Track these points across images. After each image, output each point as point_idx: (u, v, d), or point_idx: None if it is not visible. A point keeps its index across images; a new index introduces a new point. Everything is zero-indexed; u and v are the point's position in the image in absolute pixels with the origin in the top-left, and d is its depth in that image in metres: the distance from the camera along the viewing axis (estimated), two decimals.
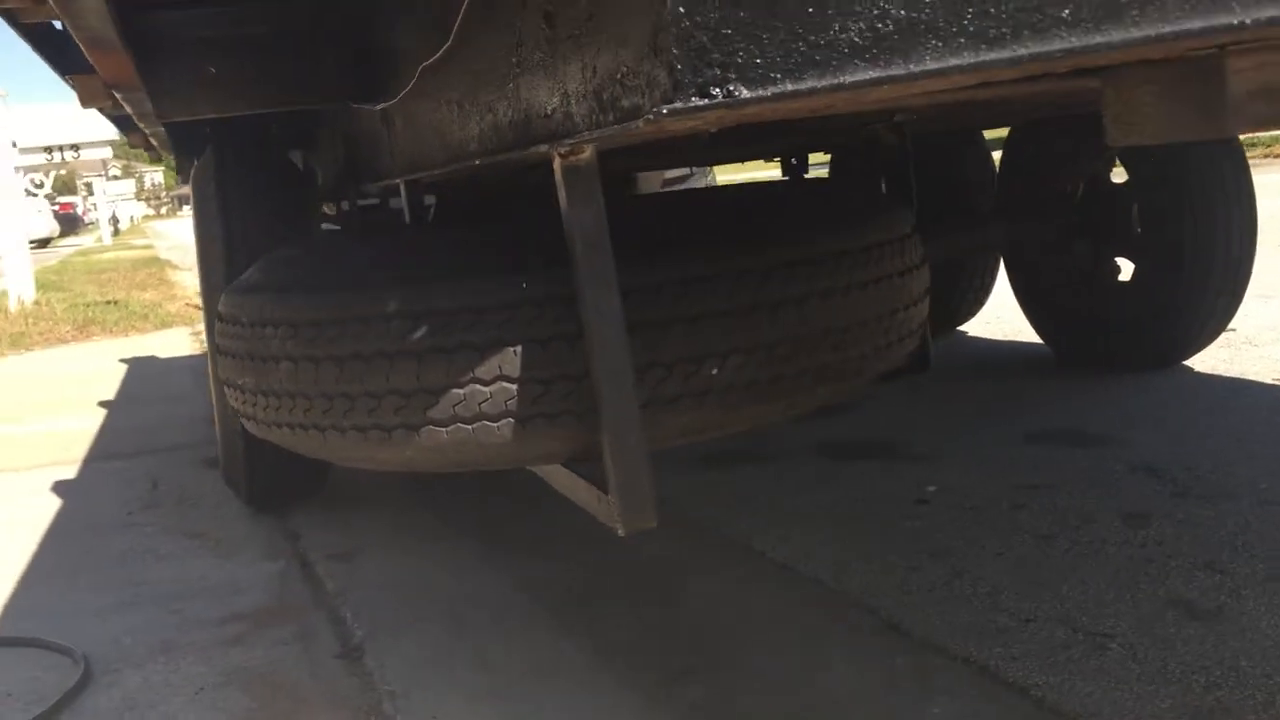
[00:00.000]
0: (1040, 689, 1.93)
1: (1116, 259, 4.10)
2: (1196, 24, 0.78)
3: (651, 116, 0.95)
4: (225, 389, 1.76)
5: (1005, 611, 2.25)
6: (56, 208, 34.61)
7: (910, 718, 1.89)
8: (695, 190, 2.51)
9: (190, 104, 2.27)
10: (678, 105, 0.94)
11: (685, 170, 7.02)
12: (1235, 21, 0.77)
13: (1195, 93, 0.83)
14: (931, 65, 0.85)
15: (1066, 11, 0.81)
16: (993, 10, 0.83)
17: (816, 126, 1.97)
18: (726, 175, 12.23)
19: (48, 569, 2.95)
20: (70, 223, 37.00)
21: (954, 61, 0.84)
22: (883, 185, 2.24)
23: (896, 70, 0.86)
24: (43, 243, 27.75)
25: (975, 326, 5.25)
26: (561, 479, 1.55)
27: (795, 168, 4.28)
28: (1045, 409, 3.76)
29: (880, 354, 1.60)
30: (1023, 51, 0.82)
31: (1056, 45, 0.82)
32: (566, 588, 2.56)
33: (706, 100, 0.94)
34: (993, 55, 0.83)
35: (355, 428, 1.49)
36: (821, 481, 3.22)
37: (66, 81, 2.52)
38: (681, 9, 0.93)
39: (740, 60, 0.93)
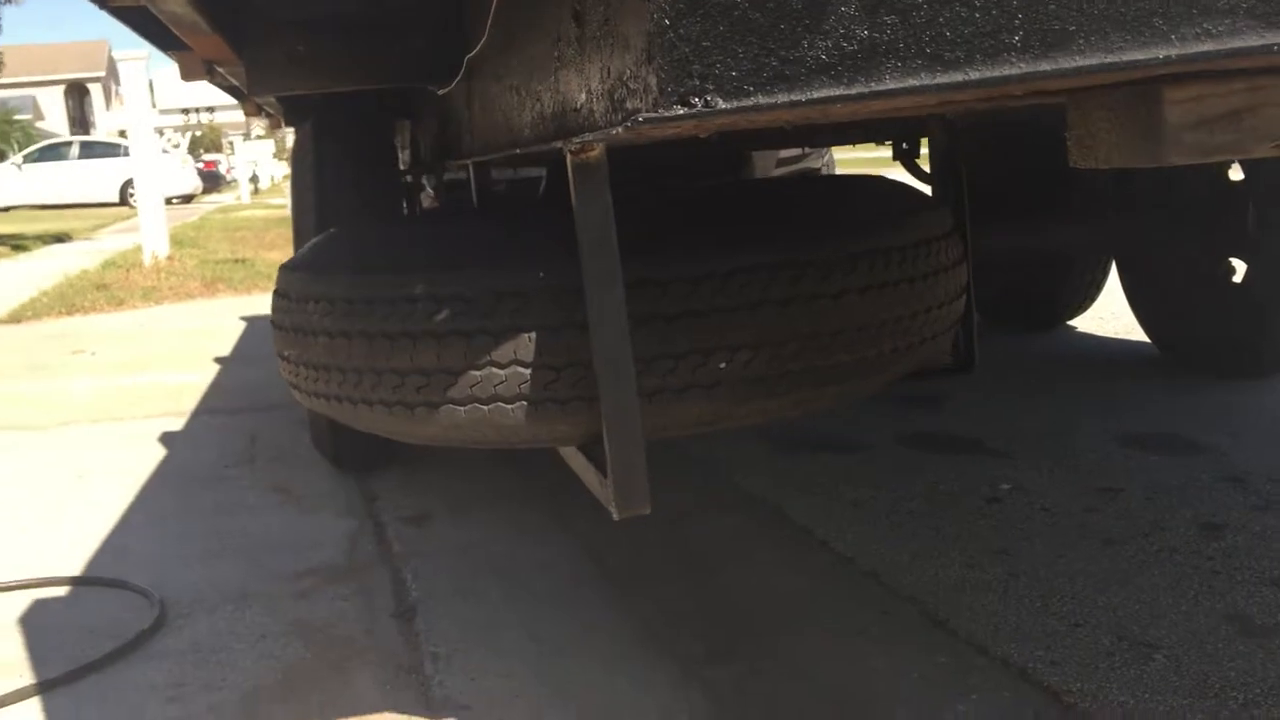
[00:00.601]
0: (1074, 695, 1.92)
1: (1231, 260, 3.96)
2: (1138, 55, 0.78)
3: (630, 124, 0.99)
4: (279, 360, 1.86)
5: (1055, 615, 2.24)
6: (201, 165, 35.92)
7: (935, 713, 1.90)
8: (714, 185, 2.51)
9: (280, 81, 2.37)
10: (655, 114, 0.98)
11: (798, 150, 6.98)
12: (1168, 55, 0.77)
13: (1139, 120, 0.83)
14: (890, 85, 0.87)
15: (1017, 38, 0.82)
16: (949, 34, 0.84)
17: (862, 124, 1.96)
18: (841, 154, 12.09)
19: (144, 515, 3.13)
20: (213, 180, 38.36)
21: (911, 82, 0.86)
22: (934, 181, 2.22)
23: (858, 89, 0.89)
24: (186, 198, 28.81)
25: (1086, 322, 5.13)
26: (574, 460, 1.60)
27: (906, 151, 4.22)
28: (1143, 412, 3.67)
29: (901, 355, 1.60)
30: (975, 75, 0.84)
31: (1006, 70, 0.83)
32: (627, 561, 2.61)
33: (685, 109, 0.98)
34: (946, 78, 0.84)
35: (383, 403, 1.57)
36: (897, 473, 3.21)
37: (169, 56, 2.66)
38: (666, 21, 0.97)
39: (718, 72, 0.96)
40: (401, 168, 3.90)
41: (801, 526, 2.82)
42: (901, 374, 1.67)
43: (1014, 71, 0.82)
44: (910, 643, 2.17)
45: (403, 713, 1.93)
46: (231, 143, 38.82)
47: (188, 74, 2.53)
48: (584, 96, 1.37)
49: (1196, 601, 2.24)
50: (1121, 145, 0.84)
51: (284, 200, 29.05)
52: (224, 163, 43.51)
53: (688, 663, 2.11)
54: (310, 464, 3.50)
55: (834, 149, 8.24)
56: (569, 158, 1.30)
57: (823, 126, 2.94)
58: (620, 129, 1.01)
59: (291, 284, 1.75)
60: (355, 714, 1.92)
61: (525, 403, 1.47)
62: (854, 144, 4.18)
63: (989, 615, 2.25)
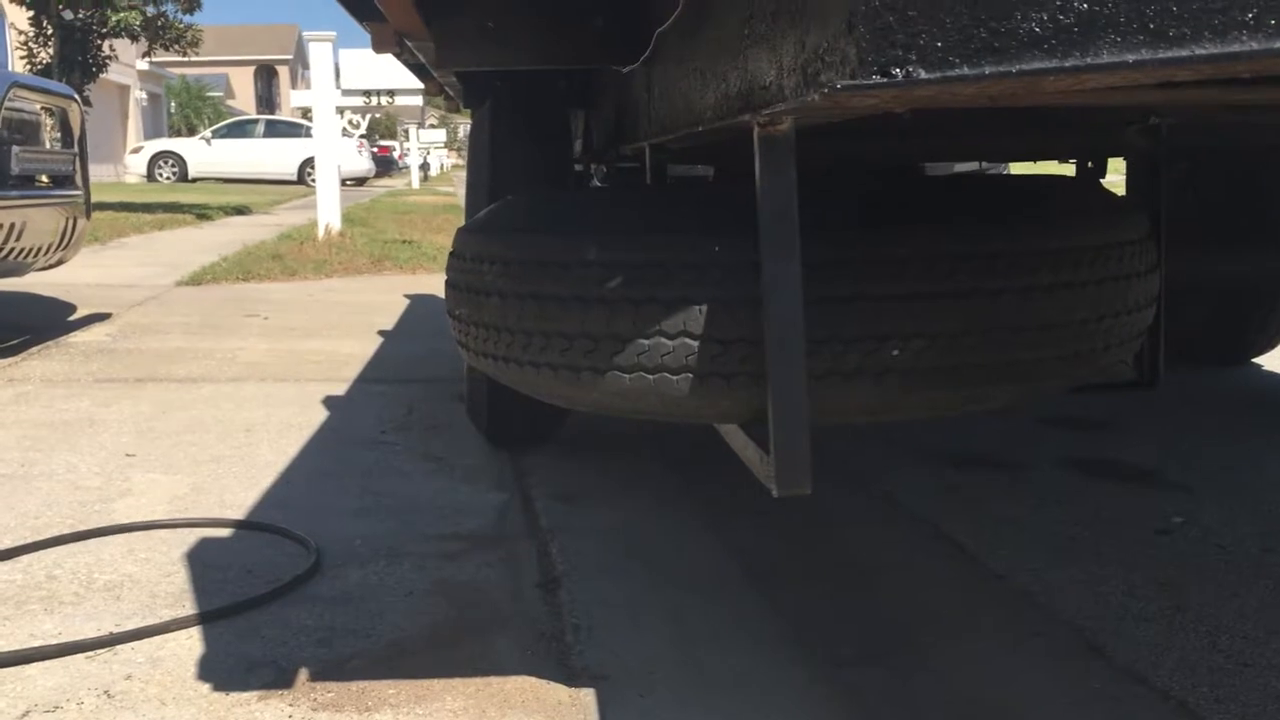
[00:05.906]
0: None
1: None
2: None
3: (827, 90, 0.98)
4: (450, 319, 1.91)
5: (1222, 652, 2.13)
6: (375, 150, 37.15)
7: None
8: (910, 177, 2.46)
9: (467, 56, 2.43)
10: (854, 82, 0.96)
11: (974, 165, 6.82)
12: None
13: None
14: (1107, 59, 0.84)
15: (1251, 15, 0.78)
16: (1175, 9, 0.80)
17: (1059, 125, 1.90)
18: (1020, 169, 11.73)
19: (305, 471, 3.25)
20: (386, 165, 39.63)
21: (1129, 57, 0.83)
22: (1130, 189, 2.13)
23: (1072, 62, 0.86)
24: (360, 181, 29.81)
25: (1274, 360, 4.89)
26: (733, 437, 1.60)
27: (1092, 171, 4.07)
28: None
29: (1083, 359, 1.55)
30: (1201, 52, 0.80)
31: (1236, 48, 0.79)
32: (775, 563, 2.59)
33: (885, 79, 0.96)
34: (1169, 54, 0.81)
35: (549, 365, 1.60)
36: (1061, 497, 3.11)
37: (363, 27, 2.76)
38: None
39: (922, 43, 0.95)
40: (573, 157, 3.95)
41: (956, 543, 2.76)
42: (1082, 380, 1.61)
43: (1246, 49, 0.78)
44: (1063, 665, 2.10)
45: (541, 677, 1.95)
46: (406, 130, 40.13)
47: (380, 45, 2.62)
48: (774, 73, 1.37)
49: None
50: None
51: (453, 188, 29.82)
52: (397, 149, 44.96)
53: (831, 664, 2.08)
54: (464, 436, 3.58)
55: (1012, 167, 8.04)
56: (756, 130, 1.30)
57: (1007, 135, 2.85)
58: (816, 96, 1.00)
59: (468, 244, 1.80)
60: (496, 674, 1.96)
61: (691, 375, 1.47)
62: (1036, 160, 4.06)
63: (1150, 646, 2.15)
